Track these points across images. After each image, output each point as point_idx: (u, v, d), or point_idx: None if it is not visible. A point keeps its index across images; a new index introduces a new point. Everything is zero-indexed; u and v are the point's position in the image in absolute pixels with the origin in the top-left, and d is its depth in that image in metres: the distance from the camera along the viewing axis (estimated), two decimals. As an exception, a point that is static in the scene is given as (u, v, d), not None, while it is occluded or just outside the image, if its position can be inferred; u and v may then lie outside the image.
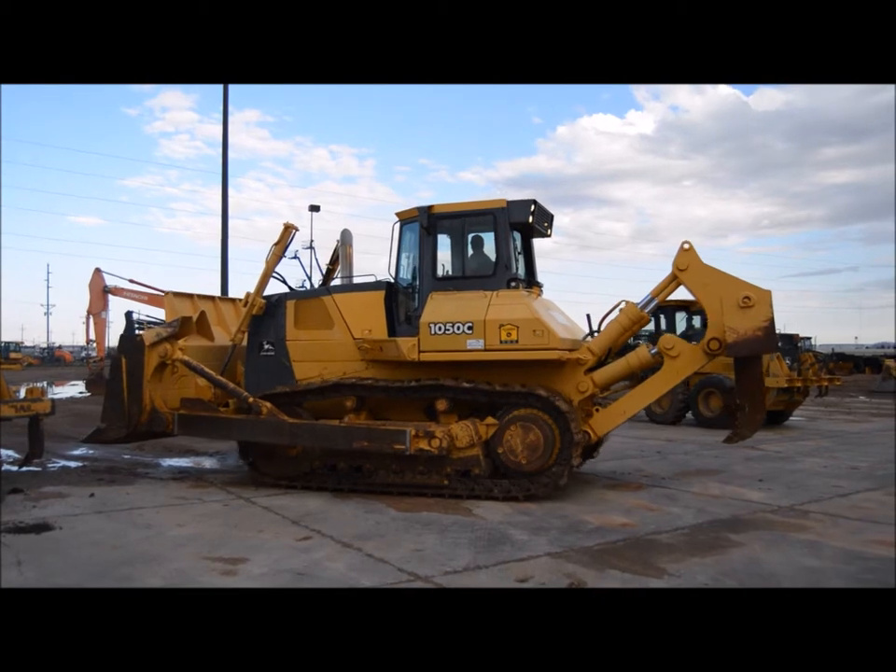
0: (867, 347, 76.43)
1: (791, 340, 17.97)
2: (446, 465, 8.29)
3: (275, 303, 9.56)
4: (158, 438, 10.55)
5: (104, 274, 30.21)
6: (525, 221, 8.92)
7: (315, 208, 48.18)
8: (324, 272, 11.89)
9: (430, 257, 8.91)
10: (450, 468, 8.31)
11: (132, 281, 30.87)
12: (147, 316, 36.00)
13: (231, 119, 17.51)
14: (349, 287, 9.81)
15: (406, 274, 9.32)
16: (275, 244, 9.81)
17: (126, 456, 11.46)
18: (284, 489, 8.76)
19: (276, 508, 7.80)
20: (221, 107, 18.93)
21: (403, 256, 9.34)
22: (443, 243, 9.16)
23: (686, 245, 8.36)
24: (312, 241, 45.02)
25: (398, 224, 9.33)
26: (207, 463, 11.07)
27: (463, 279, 8.91)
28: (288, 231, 9.82)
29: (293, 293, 9.87)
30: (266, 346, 9.53)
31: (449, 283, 8.86)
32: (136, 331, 10.18)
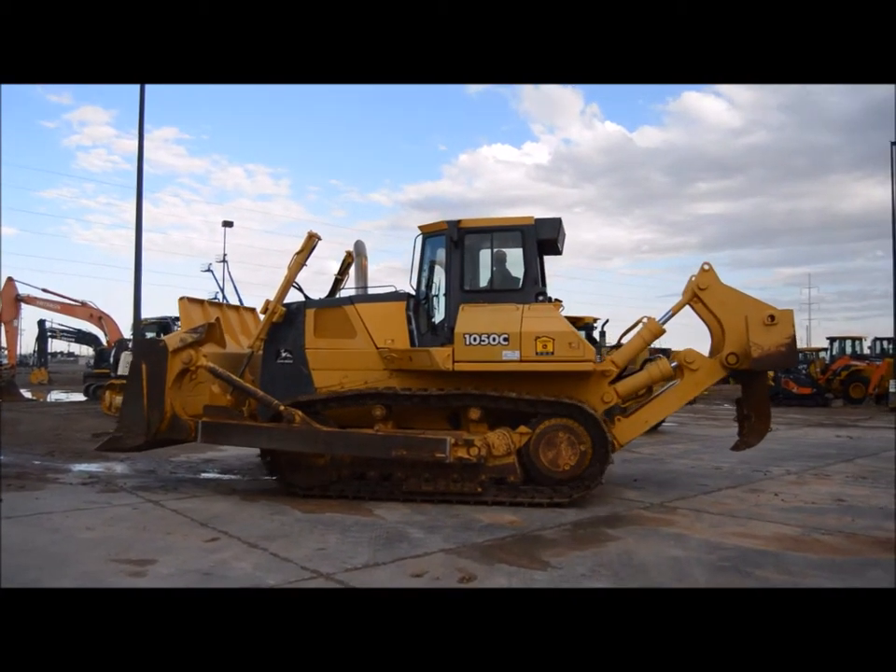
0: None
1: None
2: (481, 473, 8.05)
3: (295, 311, 9.07)
4: (174, 445, 10.00)
5: (16, 283, 28.90)
6: (553, 238, 8.77)
7: (228, 224, 47.23)
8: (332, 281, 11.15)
9: (458, 269, 8.64)
10: (485, 475, 8.07)
11: (45, 290, 29.70)
12: (60, 325, 34.57)
13: (147, 135, 16.95)
14: (371, 297, 9.33)
15: (431, 286, 9.02)
16: (298, 252, 9.23)
17: (36, 462, 10.95)
18: (182, 495, 8.54)
19: (185, 511, 7.58)
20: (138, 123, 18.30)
21: (426, 268, 9.01)
22: (470, 256, 8.86)
23: (706, 267, 8.53)
24: (225, 255, 44.15)
25: (420, 237, 9.04)
26: (118, 468, 10.67)
27: (492, 292, 8.72)
28: (312, 239, 9.24)
29: (313, 301, 9.34)
30: (284, 354, 9.02)
31: (478, 295, 8.65)
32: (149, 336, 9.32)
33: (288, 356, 9.01)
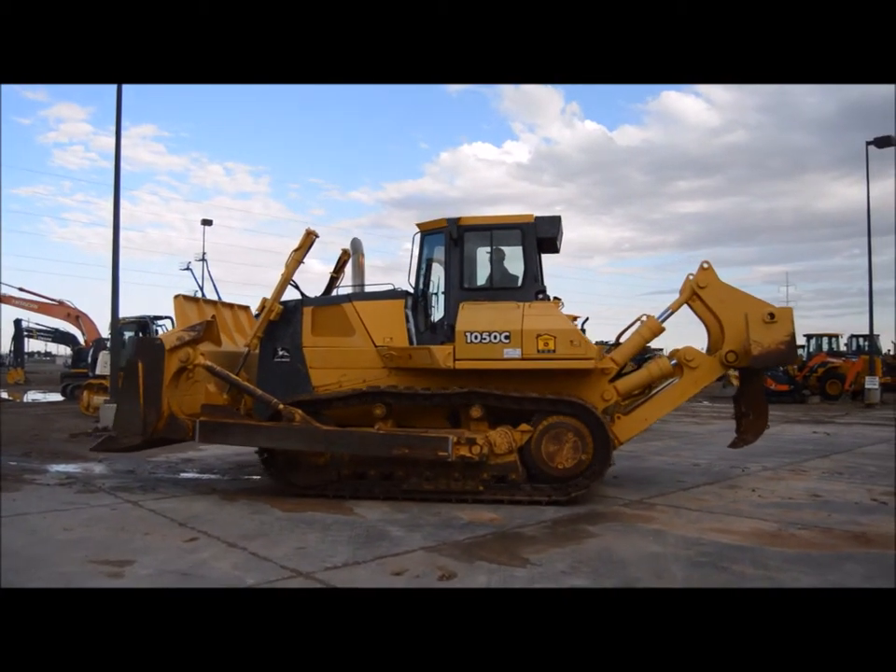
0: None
1: (649, 351, 18.69)
2: (483, 471, 8.03)
3: (292, 309, 8.96)
4: (172, 444, 9.91)
5: (-9, 283, 28.54)
6: (553, 236, 8.75)
7: (207, 222, 46.90)
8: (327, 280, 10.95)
9: (458, 267, 8.62)
10: (486, 473, 8.04)
11: (21, 289, 29.39)
12: (37, 324, 34.28)
13: (125, 132, 16.69)
14: (370, 295, 9.23)
15: (427, 284, 8.97)
16: (295, 250, 9.08)
17: (12, 463, 10.81)
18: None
19: (164, 511, 7.54)
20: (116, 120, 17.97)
21: (424, 266, 8.95)
22: (469, 254, 8.83)
23: (705, 265, 8.60)
24: (204, 253, 43.92)
25: (418, 235, 8.97)
26: (96, 469, 10.54)
27: (491, 290, 8.66)
28: (309, 237, 9.08)
29: (310, 299, 9.25)
30: (281, 352, 8.91)
31: (478, 293, 8.59)
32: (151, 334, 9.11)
33: (286, 354, 8.93)
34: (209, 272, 41.88)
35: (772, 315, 8.22)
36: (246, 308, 11.42)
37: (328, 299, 9.57)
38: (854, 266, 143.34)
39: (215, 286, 33.89)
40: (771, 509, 7.83)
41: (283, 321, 8.93)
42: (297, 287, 9.26)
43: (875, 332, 28.37)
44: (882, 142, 26.34)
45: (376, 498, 8.13)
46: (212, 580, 5.20)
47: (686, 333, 9.96)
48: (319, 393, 8.67)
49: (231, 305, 11.12)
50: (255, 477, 9.91)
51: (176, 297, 9.78)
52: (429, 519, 7.27)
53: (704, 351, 8.85)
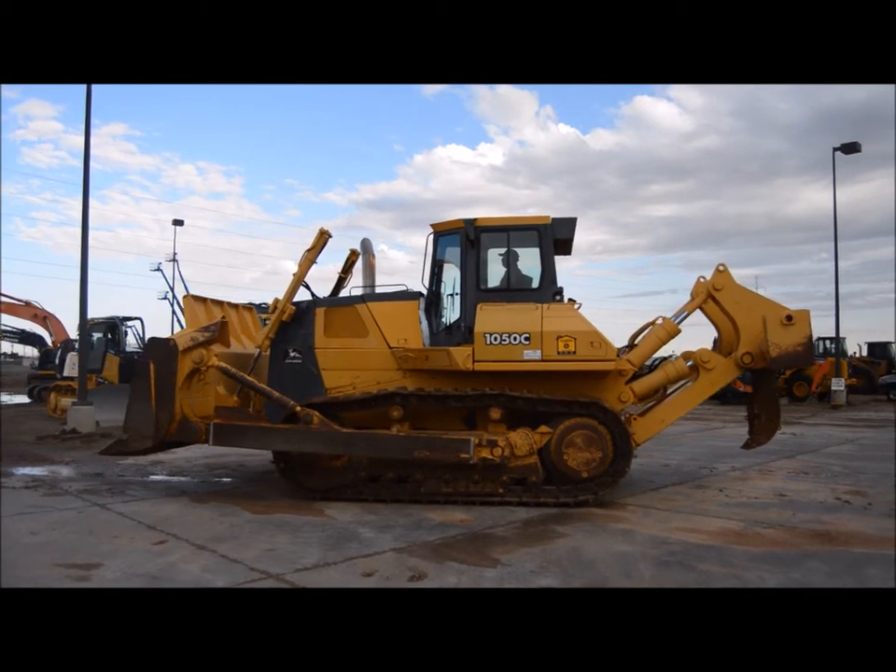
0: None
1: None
2: (502, 473, 8.01)
3: (304, 310, 8.90)
4: (182, 447, 9.89)
5: (-44, 283, 28.03)
6: (569, 238, 8.79)
7: (178, 222, 46.48)
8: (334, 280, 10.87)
9: (475, 268, 8.60)
10: (506, 476, 8.03)
11: (-14, 290, 28.85)
12: (4, 325, 33.73)
13: (95, 131, 16.53)
14: (383, 296, 9.16)
15: (440, 285, 8.93)
16: (308, 249, 9.04)
17: (-23, 466, 10.66)
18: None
19: (132, 514, 7.47)
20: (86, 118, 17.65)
21: (438, 267, 8.94)
22: (486, 255, 8.81)
23: (721, 268, 8.67)
24: (175, 254, 43.52)
25: (432, 235, 8.92)
26: (64, 472, 10.43)
27: (508, 291, 8.63)
28: (323, 236, 9.06)
29: (323, 300, 9.20)
30: (292, 354, 8.85)
31: (495, 294, 8.56)
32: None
33: (297, 355, 8.86)
34: (180, 272, 41.52)
35: (790, 318, 8.33)
36: (251, 309, 11.47)
37: (341, 299, 9.52)
38: (822, 270, 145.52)
39: (186, 287, 33.64)
40: (737, 508, 7.95)
41: (295, 322, 8.87)
42: (308, 287, 9.23)
43: (840, 335, 28.84)
44: (848, 148, 26.86)
45: (346, 500, 8.11)
46: (181, 582, 5.17)
47: (680, 337, 10.04)
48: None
49: (235, 306, 11.10)
50: (225, 479, 9.88)
51: (185, 297, 9.80)
52: (400, 520, 7.28)
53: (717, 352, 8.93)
